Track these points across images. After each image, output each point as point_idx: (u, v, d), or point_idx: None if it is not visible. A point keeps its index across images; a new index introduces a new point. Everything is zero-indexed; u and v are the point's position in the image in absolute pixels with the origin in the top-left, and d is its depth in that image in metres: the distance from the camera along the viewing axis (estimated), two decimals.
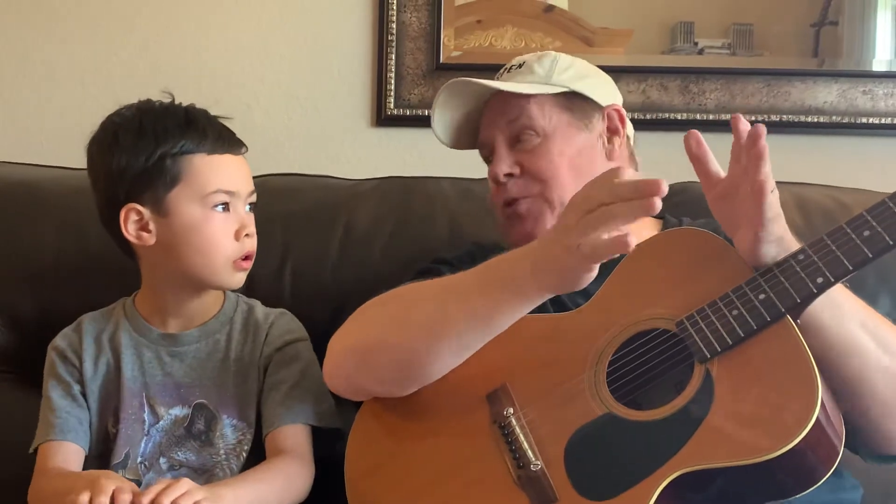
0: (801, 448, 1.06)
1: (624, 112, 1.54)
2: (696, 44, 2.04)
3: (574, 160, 1.47)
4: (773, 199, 1.17)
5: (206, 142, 1.44)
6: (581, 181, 1.41)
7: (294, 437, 1.43)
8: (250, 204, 1.50)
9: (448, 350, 1.27)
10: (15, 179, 1.81)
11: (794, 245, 1.20)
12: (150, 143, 1.42)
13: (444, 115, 1.57)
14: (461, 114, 1.56)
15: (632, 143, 1.58)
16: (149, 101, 1.50)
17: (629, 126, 1.57)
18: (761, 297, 1.14)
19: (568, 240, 1.09)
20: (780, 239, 1.19)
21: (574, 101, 1.50)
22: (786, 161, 1.98)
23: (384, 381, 1.33)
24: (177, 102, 1.50)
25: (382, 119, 2.05)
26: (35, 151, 1.92)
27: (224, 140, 1.47)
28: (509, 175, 1.49)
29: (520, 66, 1.54)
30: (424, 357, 1.28)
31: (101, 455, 1.46)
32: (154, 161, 1.42)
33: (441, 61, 2.04)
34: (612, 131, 1.52)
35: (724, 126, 1.97)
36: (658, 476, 1.11)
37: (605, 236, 1.06)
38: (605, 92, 1.55)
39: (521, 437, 1.23)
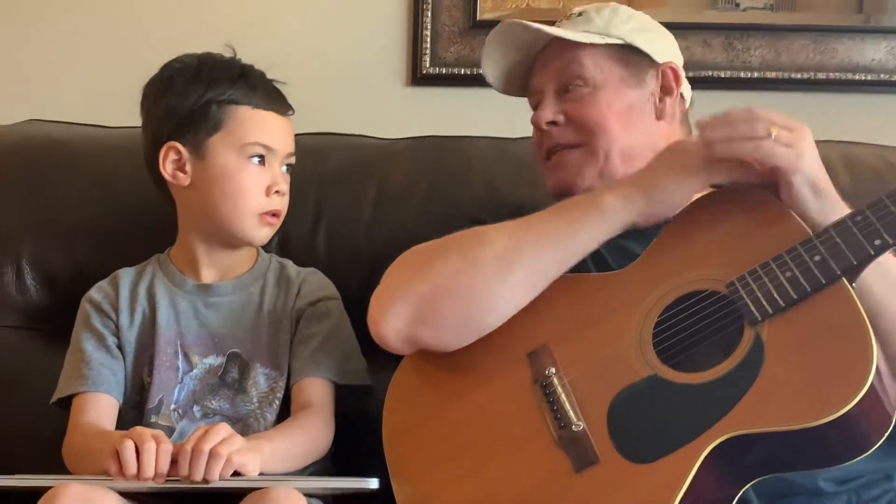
0: (853, 414, 1.03)
1: (680, 71, 1.49)
2: (737, 4, 1.99)
3: (622, 114, 1.44)
4: (775, 153, 1.17)
5: (254, 96, 1.49)
6: (630, 135, 1.43)
7: (318, 391, 1.45)
8: (288, 165, 1.53)
9: (520, 282, 1.26)
10: (50, 137, 1.80)
11: (836, 198, 1.20)
12: (200, 87, 1.48)
13: (494, 59, 1.53)
14: (514, 59, 1.53)
15: (687, 104, 1.53)
16: (210, 53, 1.54)
17: (686, 86, 1.52)
18: (816, 258, 1.12)
19: (714, 133, 1.19)
20: (814, 187, 1.19)
21: (630, 56, 1.47)
22: (833, 119, 1.96)
23: (446, 327, 1.29)
24: (237, 58, 1.54)
25: (418, 78, 2.02)
26: (69, 110, 1.91)
27: (272, 99, 1.52)
28: (552, 123, 1.46)
29: (579, 14, 1.50)
30: (496, 293, 1.26)
31: (136, 405, 1.47)
32: (201, 105, 1.47)
33: (478, 19, 2.00)
34: (666, 90, 1.48)
35: (768, 84, 1.98)
36: (703, 440, 1.09)
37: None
38: (664, 49, 1.50)
39: (563, 397, 1.21)
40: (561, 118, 1.46)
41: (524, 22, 1.47)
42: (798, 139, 1.19)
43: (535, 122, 1.49)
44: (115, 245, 1.69)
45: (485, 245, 1.27)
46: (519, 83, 1.56)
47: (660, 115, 1.48)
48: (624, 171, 1.42)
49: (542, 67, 1.50)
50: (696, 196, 1.27)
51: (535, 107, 1.52)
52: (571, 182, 1.44)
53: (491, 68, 1.55)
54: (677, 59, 1.53)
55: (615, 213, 1.24)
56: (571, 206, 1.29)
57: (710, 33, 1.97)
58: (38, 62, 2.05)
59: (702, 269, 1.21)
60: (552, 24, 1.53)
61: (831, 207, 1.18)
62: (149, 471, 1.20)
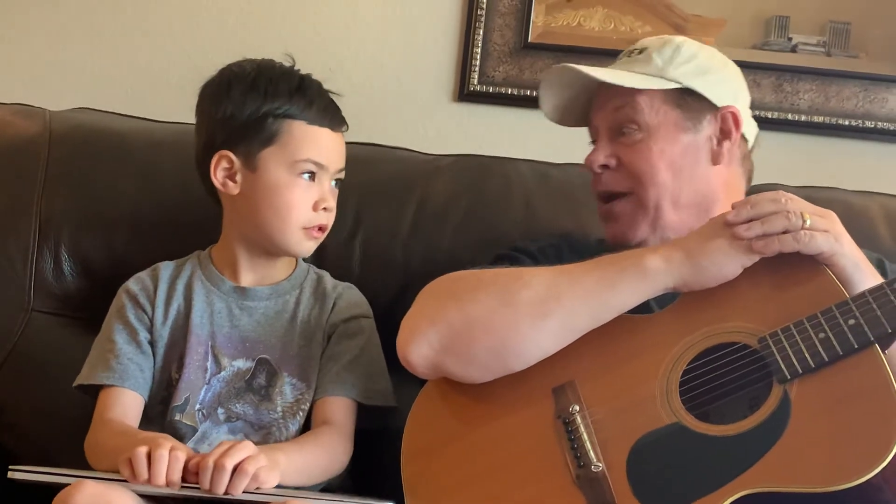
0: (875, 482, 1.04)
1: (742, 114, 1.45)
2: (790, 39, 1.98)
3: (675, 161, 1.42)
4: (816, 242, 1.18)
5: (310, 111, 1.49)
6: (680, 182, 1.42)
7: (340, 409, 1.45)
8: (337, 180, 1.53)
9: (553, 331, 1.26)
10: (101, 126, 1.81)
11: (872, 269, 1.20)
12: (257, 99, 1.47)
13: (552, 93, 1.52)
14: (570, 95, 1.51)
15: (750, 144, 1.50)
16: (271, 60, 1.53)
17: (750, 126, 1.49)
18: (851, 322, 1.12)
19: (749, 232, 1.19)
20: (855, 265, 1.19)
21: (687, 99, 1.43)
22: (877, 170, 1.94)
23: (474, 362, 1.29)
24: (296, 68, 1.54)
25: (464, 95, 2.02)
26: (122, 102, 1.93)
27: (328, 115, 1.51)
28: (605, 166, 1.45)
29: (640, 51, 1.47)
30: (527, 338, 1.26)
31: (162, 400, 1.48)
32: (257, 117, 1.47)
33: (529, 41, 2.00)
34: (725, 134, 1.44)
35: (815, 128, 1.96)
36: (722, 493, 1.10)
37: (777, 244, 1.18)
38: (725, 90, 1.46)
39: (585, 436, 1.21)
40: (613, 162, 1.45)
41: (577, 67, 1.45)
42: (831, 222, 1.20)
43: (588, 165, 1.47)
44: (154, 239, 1.70)
45: (523, 288, 1.27)
46: (577, 116, 1.54)
47: (716, 160, 1.44)
48: (678, 219, 1.41)
49: (600, 104, 1.48)
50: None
51: (593, 141, 1.51)
52: (624, 235, 1.44)
53: (547, 102, 1.53)
54: (742, 99, 1.49)
55: (657, 276, 1.24)
56: (614, 262, 1.27)
57: (760, 73, 1.96)
58: (91, 52, 2.07)
59: (735, 321, 1.21)
60: (620, 55, 1.52)
61: (870, 279, 1.18)
62: (159, 479, 1.20)
